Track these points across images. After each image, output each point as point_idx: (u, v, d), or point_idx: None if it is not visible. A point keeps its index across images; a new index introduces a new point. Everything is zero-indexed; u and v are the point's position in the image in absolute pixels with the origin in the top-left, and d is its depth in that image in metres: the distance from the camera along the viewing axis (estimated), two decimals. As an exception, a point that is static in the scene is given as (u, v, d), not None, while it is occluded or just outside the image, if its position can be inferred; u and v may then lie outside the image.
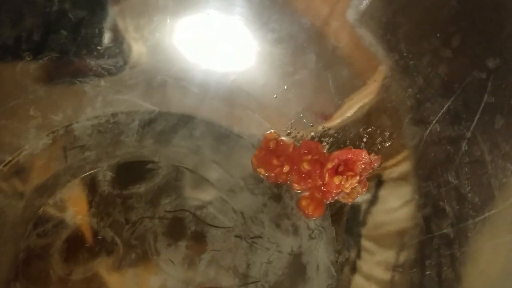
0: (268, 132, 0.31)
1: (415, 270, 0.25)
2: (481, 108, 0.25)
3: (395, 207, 0.27)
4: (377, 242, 0.27)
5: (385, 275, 0.26)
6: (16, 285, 0.26)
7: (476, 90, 0.25)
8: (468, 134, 0.25)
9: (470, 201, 0.24)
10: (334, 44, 0.30)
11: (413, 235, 0.26)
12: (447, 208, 0.25)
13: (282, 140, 0.30)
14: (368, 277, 0.27)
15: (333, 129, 0.30)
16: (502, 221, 0.23)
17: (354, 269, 0.28)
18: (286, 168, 0.29)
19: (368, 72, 0.29)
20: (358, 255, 0.28)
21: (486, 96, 0.25)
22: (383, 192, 0.28)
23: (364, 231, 0.28)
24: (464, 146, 0.25)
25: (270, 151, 0.30)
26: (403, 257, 0.26)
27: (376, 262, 0.27)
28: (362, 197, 0.29)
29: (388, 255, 0.27)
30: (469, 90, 0.25)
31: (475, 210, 0.24)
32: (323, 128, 0.30)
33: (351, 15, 0.29)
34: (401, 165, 0.28)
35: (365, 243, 0.28)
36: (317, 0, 0.29)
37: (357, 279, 0.27)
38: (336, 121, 0.30)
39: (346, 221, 0.29)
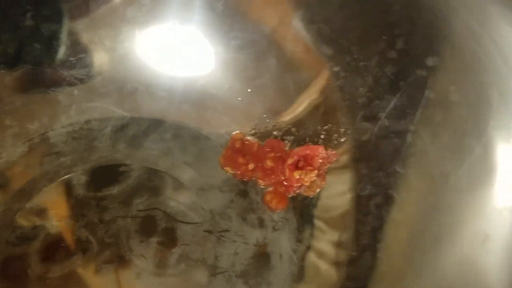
0: (235, 132, 0.32)
1: (367, 253, 0.27)
2: (422, 103, 0.27)
3: (340, 192, 0.29)
4: (328, 224, 0.29)
5: (336, 256, 0.28)
6: (-4, 285, 0.27)
7: (418, 86, 0.27)
8: (412, 127, 0.27)
9: (415, 189, 0.26)
10: (292, 49, 0.31)
11: (365, 222, 0.28)
12: (396, 196, 0.27)
13: (248, 140, 0.31)
14: (321, 255, 0.28)
15: (294, 128, 0.32)
16: (443, 205, 0.25)
17: (308, 247, 0.29)
18: (251, 166, 0.30)
19: (324, 74, 0.31)
20: (312, 234, 0.29)
21: (426, 91, 0.27)
22: (329, 179, 0.30)
23: (316, 212, 0.30)
24: (409, 138, 0.27)
25: (236, 150, 0.31)
26: (352, 239, 0.28)
27: (327, 241, 0.28)
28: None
29: (340, 237, 0.28)
30: (412, 87, 0.27)
31: (420, 196, 0.26)
32: (285, 127, 0.32)
33: (301, 22, 0.31)
34: (344, 155, 0.29)
35: (317, 222, 0.29)
36: (268, 11, 0.31)
37: (311, 256, 0.29)
38: (295, 119, 0.32)
39: (305, 211, 0.30)
